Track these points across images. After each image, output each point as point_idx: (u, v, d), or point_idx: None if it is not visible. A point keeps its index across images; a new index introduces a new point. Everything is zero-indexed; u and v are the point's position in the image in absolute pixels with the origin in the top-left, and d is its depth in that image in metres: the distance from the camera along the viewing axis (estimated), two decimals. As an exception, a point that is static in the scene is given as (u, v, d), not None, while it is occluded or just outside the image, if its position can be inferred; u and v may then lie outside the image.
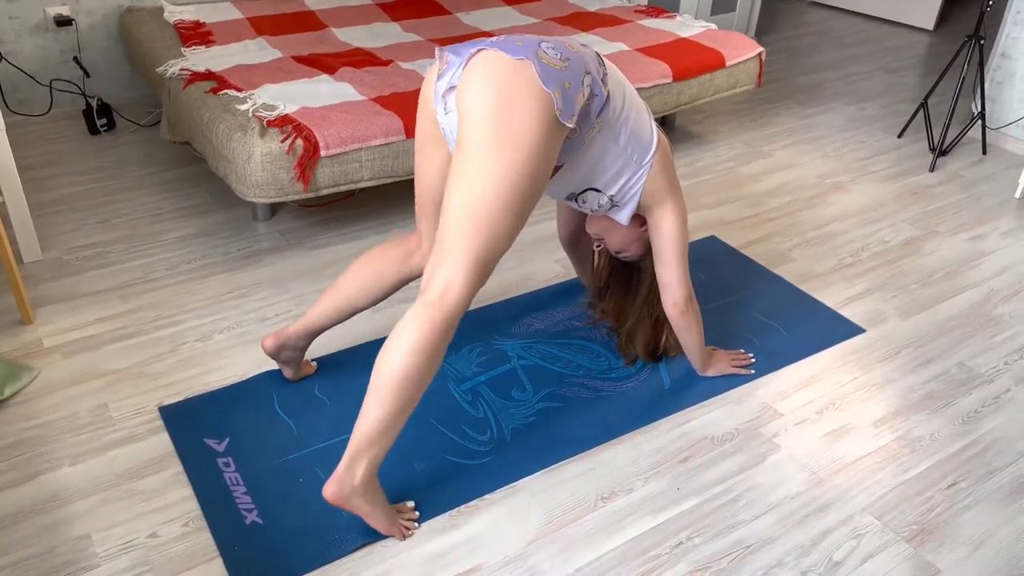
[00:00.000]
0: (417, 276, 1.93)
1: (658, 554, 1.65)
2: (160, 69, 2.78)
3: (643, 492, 1.79)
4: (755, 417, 2.00)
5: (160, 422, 1.90)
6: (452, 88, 1.58)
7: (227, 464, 1.79)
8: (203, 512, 1.68)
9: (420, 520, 1.69)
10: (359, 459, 1.54)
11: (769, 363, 2.18)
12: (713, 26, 3.35)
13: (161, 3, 3.32)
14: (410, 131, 2.45)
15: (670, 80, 2.96)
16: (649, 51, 3.04)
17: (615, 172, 1.78)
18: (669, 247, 1.86)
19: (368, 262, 1.88)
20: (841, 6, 5.46)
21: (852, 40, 4.91)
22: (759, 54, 3.23)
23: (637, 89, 2.90)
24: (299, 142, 2.29)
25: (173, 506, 1.70)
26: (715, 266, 2.58)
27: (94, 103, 3.14)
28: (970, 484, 1.84)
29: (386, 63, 2.83)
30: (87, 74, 3.22)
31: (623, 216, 1.88)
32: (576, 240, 2.28)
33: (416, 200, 1.83)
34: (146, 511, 1.68)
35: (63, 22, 3.13)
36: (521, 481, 1.80)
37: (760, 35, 4.82)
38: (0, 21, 3.05)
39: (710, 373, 2.11)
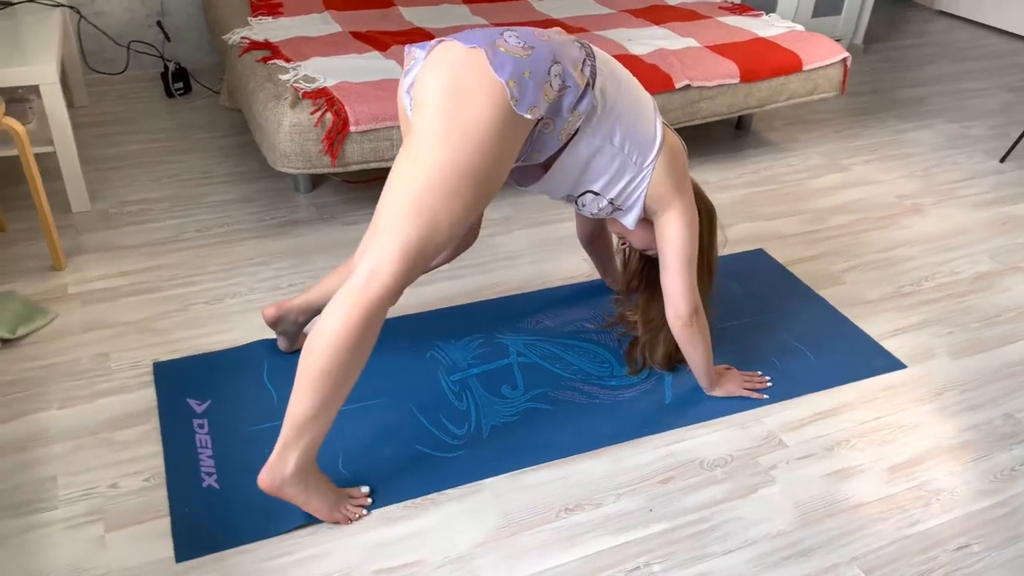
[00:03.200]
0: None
1: (610, 576, 1.55)
2: (225, 36, 2.85)
3: (611, 509, 1.68)
4: (755, 445, 1.85)
5: (152, 376, 1.94)
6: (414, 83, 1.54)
7: (201, 426, 1.81)
8: (165, 470, 1.70)
9: (373, 507, 1.65)
10: (290, 448, 1.50)
11: (787, 389, 2.01)
12: (799, 27, 3.14)
13: (242, -27, 3.40)
14: (445, 113, 2.40)
15: (737, 80, 2.79)
16: (719, 49, 2.88)
17: (613, 174, 1.67)
18: (673, 255, 1.74)
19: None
20: (972, 17, 5.04)
21: (975, 54, 4.52)
22: (843, 60, 3.00)
23: (699, 88, 2.74)
24: (328, 115, 2.29)
25: (140, 460, 1.72)
26: (754, 281, 2.41)
27: (171, 67, 3.26)
28: (984, 549, 1.64)
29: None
30: (168, 38, 3.35)
31: (629, 220, 1.77)
32: (594, 239, 2.18)
33: None
34: (114, 461, 1.71)
35: (150, -14, 3.27)
36: (486, 480, 1.73)
37: (870, 42, 4.51)
38: (92, -18, 3.21)
39: (717, 393, 1.97)
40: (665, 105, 2.71)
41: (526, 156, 1.61)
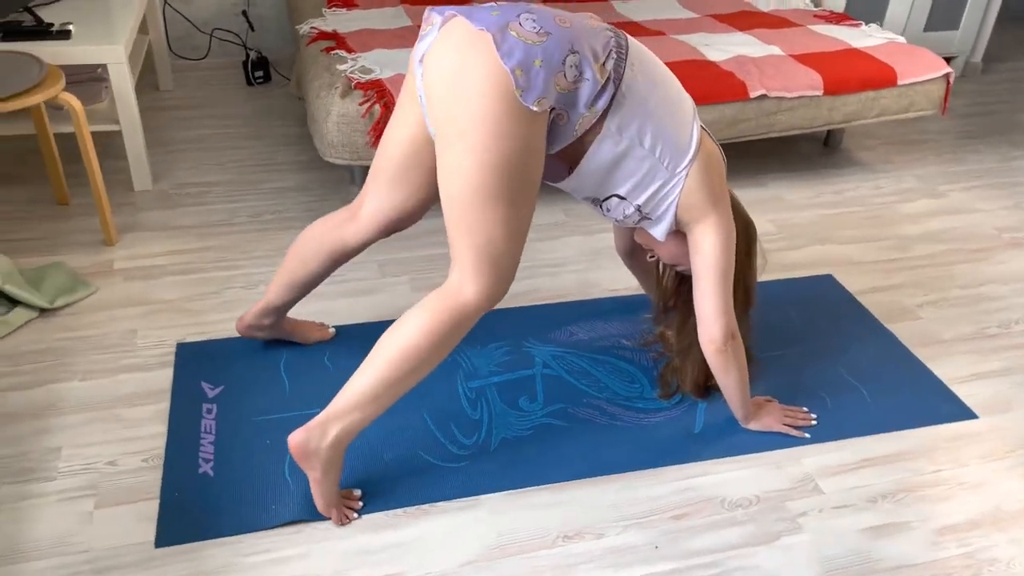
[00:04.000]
0: (352, 249, 1.77)
1: (598, 615, 1.42)
2: (298, 26, 2.86)
3: (614, 541, 1.55)
4: (788, 488, 1.68)
5: (173, 356, 1.94)
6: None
7: (209, 411, 1.79)
8: (165, 452, 1.68)
9: (364, 511, 1.58)
10: (337, 420, 1.47)
11: (833, 429, 1.83)
12: (900, 39, 2.90)
13: (327, -35, 3.43)
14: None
15: (820, 92, 2.59)
16: (804, 58, 2.68)
17: (641, 178, 1.54)
18: (707, 273, 1.59)
19: (309, 235, 1.78)
20: (1115, 40, 4.58)
21: (1114, 80, 4.10)
22: (946, 75, 2.75)
23: (777, 98, 2.56)
24: (377, 107, 2.24)
25: (143, 439, 1.71)
26: (815, 308, 2.22)
27: (252, 56, 3.31)
28: (1039, 635, 1.43)
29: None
30: (252, 27, 3.41)
31: (659, 231, 1.63)
32: (632, 251, 2.04)
33: (374, 160, 1.68)
34: (119, 438, 1.71)
35: (238, -24, 3.34)
36: (485, 496, 1.63)
37: (990, 61, 4.15)
38: (184, -29, 3.30)
39: (753, 427, 1.81)
40: (738, 115, 2.55)
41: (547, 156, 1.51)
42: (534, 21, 1.38)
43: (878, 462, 1.76)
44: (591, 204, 1.66)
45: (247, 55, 3.32)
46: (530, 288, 2.26)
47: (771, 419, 1.81)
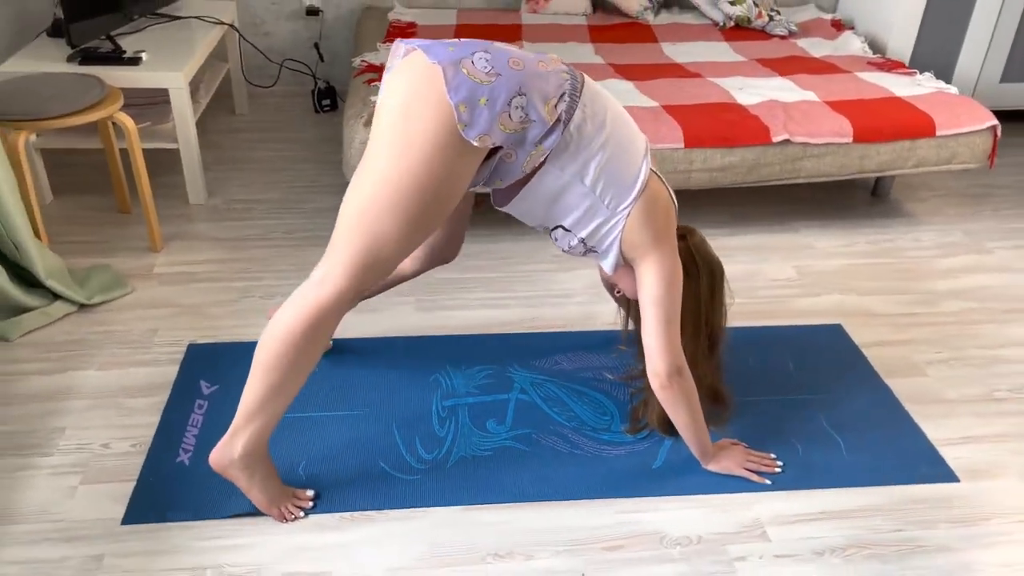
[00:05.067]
0: (403, 279, 1.95)
1: (507, 633, 1.46)
2: (353, 59, 3.06)
3: (541, 564, 1.59)
4: (733, 531, 1.67)
5: (181, 356, 2.11)
6: None
7: (200, 407, 1.94)
8: (152, 440, 1.84)
9: (313, 511, 1.68)
10: (240, 433, 1.57)
11: (797, 478, 1.80)
12: (952, 89, 2.81)
13: (394, 2, 3.63)
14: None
15: (849, 140, 2.54)
16: (838, 105, 2.64)
17: (583, 213, 1.60)
18: (649, 309, 1.62)
19: None
20: None
21: None
22: (992, 128, 2.64)
23: (802, 144, 2.54)
24: (395, 136, 2.38)
25: (137, 427, 1.88)
26: (815, 358, 2.17)
27: (320, 85, 3.54)
28: None
29: (543, 79, 2.81)
30: (322, 59, 3.64)
31: (607, 265, 1.67)
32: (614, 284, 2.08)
33: None
34: (116, 424, 1.88)
35: (312, 12, 3.58)
36: (431, 509, 1.70)
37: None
38: (263, 5, 3.57)
39: (713, 468, 1.80)
40: (760, 159, 2.54)
41: (487, 181, 1.58)
42: (487, 61, 1.45)
43: (836, 516, 1.71)
44: (542, 231, 1.72)
45: (315, 84, 3.56)
46: (533, 316, 2.32)
47: (731, 462, 1.80)
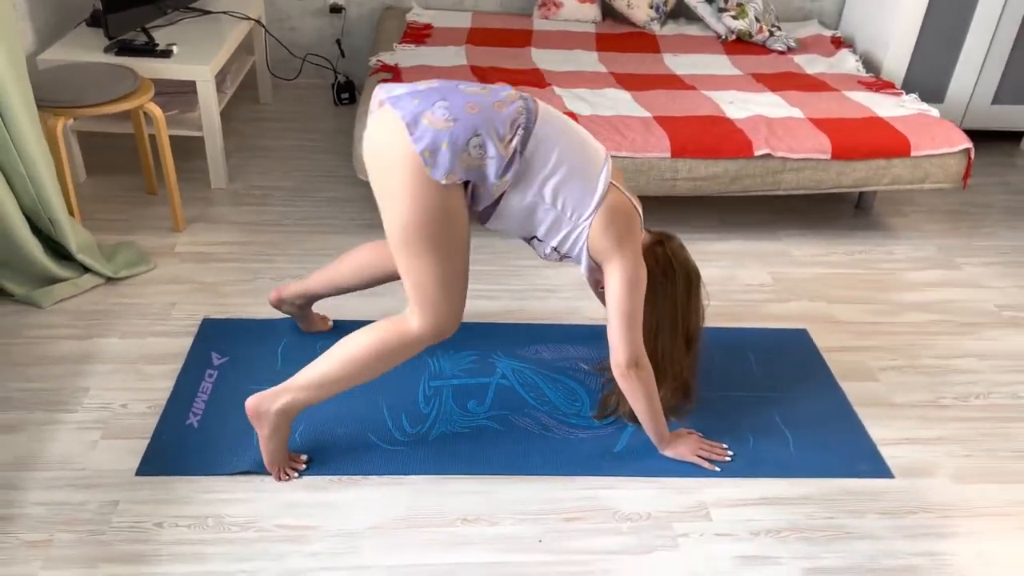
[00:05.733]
0: (347, 288, 2.17)
1: (468, 586, 1.66)
2: (369, 58, 3.24)
3: (505, 530, 1.78)
4: (680, 511, 1.85)
5: (196, 329, 2.32)
6: None
7: (211, 376, 2.14)
8: (166, 404, 2.05)
9: (306, 473, 1.89)
10: (287, 393, 1.79)
11: (744, 468, 1.97)
12: (933, 111, 2.95)
13: (412, 3, 3.81)
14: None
15: (827, 156, 2.70)
16: (821, 122, 2.80)
17: (550, 226, 1.80)
18: (613, 307, 1.81)
19: (374, 249, 2.10)
20: None
21: None
22: (966, 150, 2.79)
23: (782, 158, 2.70)
24: (401, 135, 2.57)
25: (153, 391, 2.09)
26: (776, 360, 2.34)
27: (340, 79, 3.74)
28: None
29: (545, 85, 2.99)
30: (343, 54, 3.83)
31: (582, 268, 1.86)
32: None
33: None
34: (134, 387, 2.10)
35: (336, 9, 3.77)
36: (411, 477, 1.90)
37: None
38: (289, 2, 3.77)
39: (668, 453, 1.98)
40: (742, 171, 2.70)
41: (471, 210, 1.80)
42: (446, 109, 1.67)
43: (775, 502, 1.89)
44: (525, 242, 1.92)
45: (336, 78, 3.75)
46: (518, 308, 2.51)
47: (685, 448, 1.98)
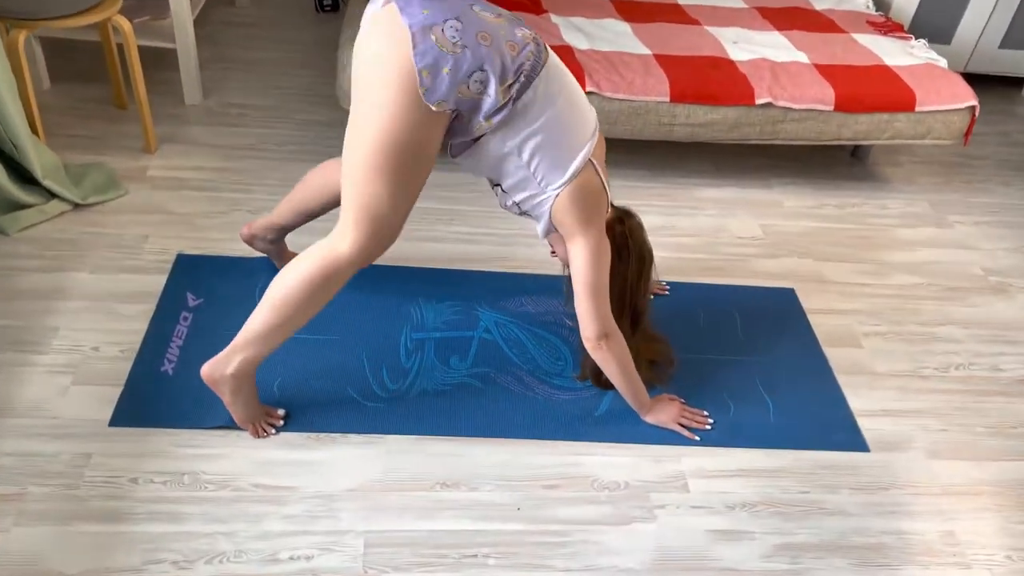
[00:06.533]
0: (314, 213, 2.06)
1: (445, 554, 1.66)
2: (356, -32, 3.04)
3: (484, 496, 1.78)
4: (657, 481, 1.86)
5: (170, 265, 2.24)
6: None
7: (185, 319, 2.08)
8: (139, 348, 1.99)
9: (283, 429, 1.86)
10: (237, 353, 1.73)
11: (724, 437, 1.98)
12: (941, 62, 2.85)
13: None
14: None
15: (830, 108, 2.61)
16: (826, 70, 2.69)
17: (515, 182, 1.72)
18: (579, 284, 1.77)
19: (322, 170, 2.02)
20: None
21: None
22: (971, 108, 2.71)
23: (784, 108, 2.60)
24: (388, 66, 2.43)
25: (125, 333, 2.02)
26: (761, 320, 2.33)
27: (322, -17, 3.52)
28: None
29: (541, 12, 2.83)
30: (325, -43, 3.61)
31: (539, 229, 1.80)
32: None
33: None
34: (106, 328, 2.03)
35: (319, -94, 3.52)
36: (390, 436, 1.88)
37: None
38: None
39: (650, 420, 1.98)
40: (741, 119, 2.61)
41: (444, 141, 1.69)
42: (456, 31, 1.50)
43: (752, 474, 1.91)
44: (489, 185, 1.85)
45: (317, -18, 3.54)
46: (506, 255, 2.45)
47: (666, 416, 1.98)
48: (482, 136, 1.65)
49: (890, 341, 2.33)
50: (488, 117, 1.59)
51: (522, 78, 1.57)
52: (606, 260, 1.76)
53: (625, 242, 1.84)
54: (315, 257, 1.67)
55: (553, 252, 1.98)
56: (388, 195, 1.62)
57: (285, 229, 2.15)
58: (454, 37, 1.50)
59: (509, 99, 1.58)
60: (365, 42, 1.58)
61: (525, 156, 1.66)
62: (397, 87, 1.51)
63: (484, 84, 1.54)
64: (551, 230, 1.78)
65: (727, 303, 2.38)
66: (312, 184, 2.03)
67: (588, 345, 1.81)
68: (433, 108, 1.53)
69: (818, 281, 2.51)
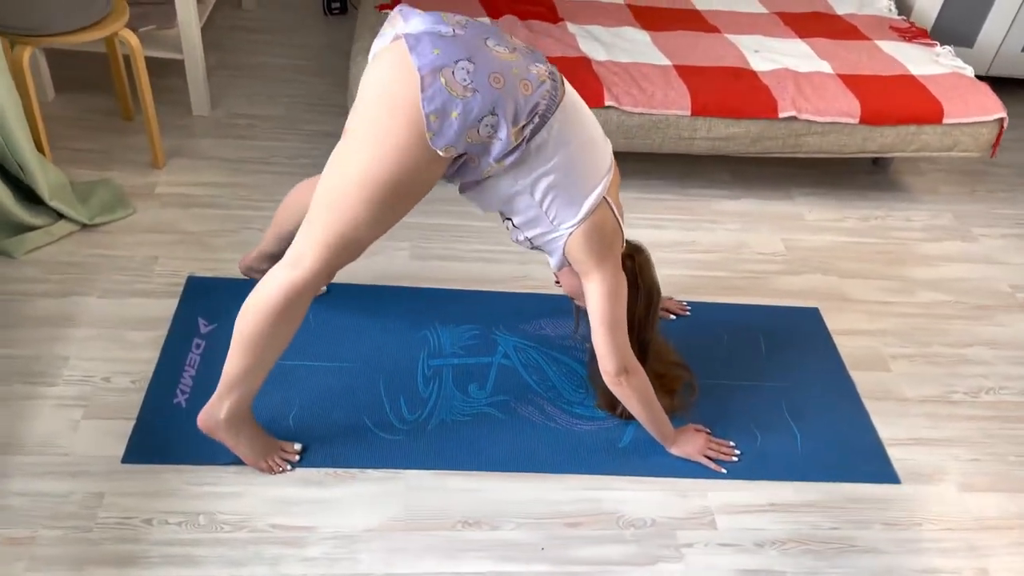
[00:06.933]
0: None
1: (469, 599, 1.62)
2: (367, -27, 2.96)
3: (507, 535, 1.73)
4: (684, 517, 1.82)
5: (180, 288, 2.18)
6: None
7: (198, 346, 2.03)
8: (151, 378, 1.94)
9: (300, 464, 1.81)
10: (223, 400, 1.68)
11: (752, 468, 1.93)
12: (967, 70, 2.78)
13: (413, -93, 3.47)
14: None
15: (855, 121, 2.55)
16: (851, 80, 2.62)
17: (528, 219, 1.67)
18: (596, 319, 1.71)
19: (297, 192, 1.96)
20: None
21: None
22: (1000, 120, 2.64)
23: (807, 121, 2.54)
24: (402, 80, 2.36)
25: (137, 362, 1.97)
26: (787, 341, 2.27)
27: (330, -14, 3.45)
28: None
29: (557, 20, 2.76)
30: (333, -41, 3.52)
31: (552, 263, 1.75)
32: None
33: None
34: (117, 358, 1.98)
35: (327, -94, 3.43)
36: (409, 471, 1.83)
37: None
38: None
39: (675, 452, 1.93)
40: (764, 132, 2.54)
41: (449, 177, 1.63)
42: (468, 73, 1.43)
43: (781, 509, 1.86)
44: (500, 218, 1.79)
45: (325, -15, 3.46)
46: (523, 274, 2.39)
47: (692, 448, 1.92)
48: (490, 176, 1.60)
49: (917, 364, 2.28)
50: (499, 160, 1.53)
51: (536, 118, 1.51)
52: (623, 295, 1.71)
53: (635, 279, 1.79)
54: (272, 288, 1.58)
55: (558, 282, 1.92)
56: (367, 226, 1.55)
57: (276, 256, 2.08)
58: (465, 80, 1.44)
59: (522, 140, 1.52)
60: (373, 77, 1.51)
61: (537, 195, 1.61)
62: (404, 127, 1.45)
63: (495, 128, 1.48)
64: (564, 265, 1.73)
65: (750, 324, 2.32)
66: (291, 207, 1.97)
67: (608, 380, 1.76)
68: (440, 153, 1.47)
69: (842, 299, 2.45)
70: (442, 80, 1.42)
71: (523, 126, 1.50)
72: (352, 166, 1.51)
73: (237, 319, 1.61)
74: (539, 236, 1.69)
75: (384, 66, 1.49)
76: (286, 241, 2.00)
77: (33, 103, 2.26)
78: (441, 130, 1.44)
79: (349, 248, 1.57)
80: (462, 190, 1.70)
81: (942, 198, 2.97)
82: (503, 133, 1.48)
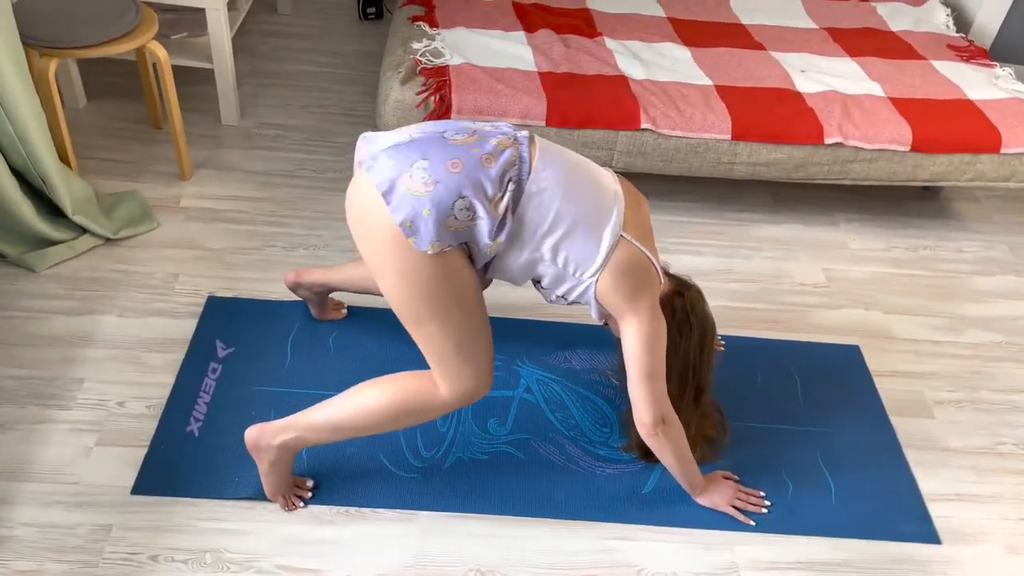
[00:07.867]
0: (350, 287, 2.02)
1: (478, 656, 1.56)
2: (401, -19, 2.90)
3: (521, 587, 1.67)
4: (709, 572, 1.73)
5: (200, 308, 2.14)
6: None
7: (214, 371, 1.99)
8: (165, 404, 1.90)
9: (312, 501, 1.76)
10: (290, 431, 1.65)
11: (782, 522, 1.83)
12: (1030, 95, 2.63)
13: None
14: (552, 118, 2.32)
15: (906, 148, 2.42)
16: (903, 104, 2.49)
17: (553, 279, 1.62)
18: (632, 364, 1.63)
19: None
20: None
21: None
22: (1063, 149, 2.49)
23: (854, 148, 2.41)
24: (432, 100, 2.30)
25: (152, 387, 1.94)
26: (824, 383, 2.16)
27: (366, -8, 3.39)
28: None
29: (595, 34, 2.67)
30: (370, -36, 3.46)
31: (593, 313, 1.67)
32: None
33: None
34: (132, 381, 1.95)
35: (365, -89, 3.37)
36: (422, 513, 1.77)
37: None
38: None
39: (702, 501, 1.84)
40: (809, 158, 2.43)
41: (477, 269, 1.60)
42: (424, 171, 1.44)
43: (812, 568, 1.76)
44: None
45: (361, -10, 3.41)
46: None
47: (720, 498, 1.83)
48: (498, 254, 1.56)
49: (964, 410, 2.15)
50: (493, 237, 1.49)
51: (511, 186, 1.48)
52: (662, 341, 1.62)
53: (686, 317, 1.71)
54: (417, 388, 1.62)
55: (605, 324, 1.84)
56: (446, 340, 1.56)
57: (335, 289, 2.06)
58: (423, 177, 1.44)
59: (506, 211, 1.48)
60: (352, 211, 1.54)
61: (548, 255, 1.56)
62: (387, 247, 1.47)
63: (471, 210, 1.45)
64: (603, 312, 1.65)
65: (787, 362, 2.21)
66: None
67: (643, 432, 1.67)
68: (429, 252, 1.45)
69: (886, 337, 2.33)
70: (402, 188, 1.44)
71: (500, 198, 1.48)
72: (390, 301, 1.56)
73: (365, 386, 1.64)
74: (569, 291, 1.63)
75: (355, 197, 1.53)
76: (359, 290, 2.02)
77: (59, 115, 2.23)
78: (419, 231, 1.44)
79: (456, 366, 1.59)
80: (488, 275, 1.67)
81: (997, 228, 2.82)
82: (481, 211, 1.46)
